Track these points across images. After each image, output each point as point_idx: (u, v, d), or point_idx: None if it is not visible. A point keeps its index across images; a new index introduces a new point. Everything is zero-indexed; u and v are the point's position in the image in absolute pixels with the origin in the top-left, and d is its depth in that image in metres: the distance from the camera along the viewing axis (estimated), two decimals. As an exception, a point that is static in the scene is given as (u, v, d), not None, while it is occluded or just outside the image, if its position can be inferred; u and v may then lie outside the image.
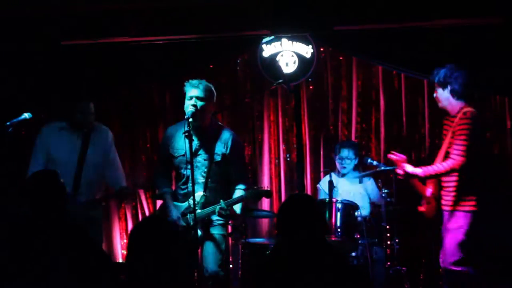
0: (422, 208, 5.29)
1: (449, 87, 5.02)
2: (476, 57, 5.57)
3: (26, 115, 4.98)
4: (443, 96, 5.10)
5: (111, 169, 5.33)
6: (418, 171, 5.01)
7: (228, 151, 4.90)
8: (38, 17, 5.69)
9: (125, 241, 6.66)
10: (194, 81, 4.85)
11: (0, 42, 5.70)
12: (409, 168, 5.04)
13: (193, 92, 4.81)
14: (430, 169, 4.97)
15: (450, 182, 5.00)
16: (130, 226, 6.72)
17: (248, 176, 5.36)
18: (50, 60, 5.83)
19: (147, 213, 6.72)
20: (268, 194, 4.89)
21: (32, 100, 5.72)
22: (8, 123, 4.89)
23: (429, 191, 5.20)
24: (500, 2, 5.46)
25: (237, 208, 4.96)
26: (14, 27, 5.69)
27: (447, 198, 5.01)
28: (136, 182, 6.65)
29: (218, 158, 4.87)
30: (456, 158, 4.87)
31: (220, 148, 4.89)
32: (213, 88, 4.93)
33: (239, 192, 4.90)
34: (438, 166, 4.95)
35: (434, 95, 5.17)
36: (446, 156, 4.98)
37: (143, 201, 6.73)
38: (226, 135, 4.94)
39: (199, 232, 4.79)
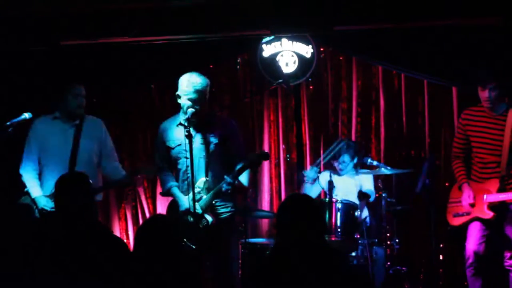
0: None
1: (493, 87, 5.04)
2: (476, 57, 5.58)
3: (26, 115, 4.97)
4: (492, 96, 5.07)
5: (109, 160, 5.28)
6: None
7: (226, 133, 4.90)
8: (38, 17, 5.69)
9: (125, 241, 6.66)
10: (195, 86, 4.80)
11: (0, 42, 5.70)
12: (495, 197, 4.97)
13: (193, 95, 4.78)
14: None
15: None
16: (130, 226, 6.73)
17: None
18: (50, 60, 5.84)
19: (147, 213, 6.72)
20: (266, 156, 4.88)
21: (32, 100, 5.73)
22: (8, 123, 4.90)
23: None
24: (500, 2, 5.46)
25: (243, 180, 4.94)
26: (14, 27, 5.70)
27: None
28: (135, 182, 6.66)
29: (215, 140, 4.86)
30: None
31: (218, 131, 4.89)
32: (206, 81, 4.81)
33: (239, 165, 4.87)
34: None
35: (487, 97, 5.07)
36: None
37: (143, 201, 6.73)
38: (222, 119, 4.99)
39: (209, 218, 4.78)
